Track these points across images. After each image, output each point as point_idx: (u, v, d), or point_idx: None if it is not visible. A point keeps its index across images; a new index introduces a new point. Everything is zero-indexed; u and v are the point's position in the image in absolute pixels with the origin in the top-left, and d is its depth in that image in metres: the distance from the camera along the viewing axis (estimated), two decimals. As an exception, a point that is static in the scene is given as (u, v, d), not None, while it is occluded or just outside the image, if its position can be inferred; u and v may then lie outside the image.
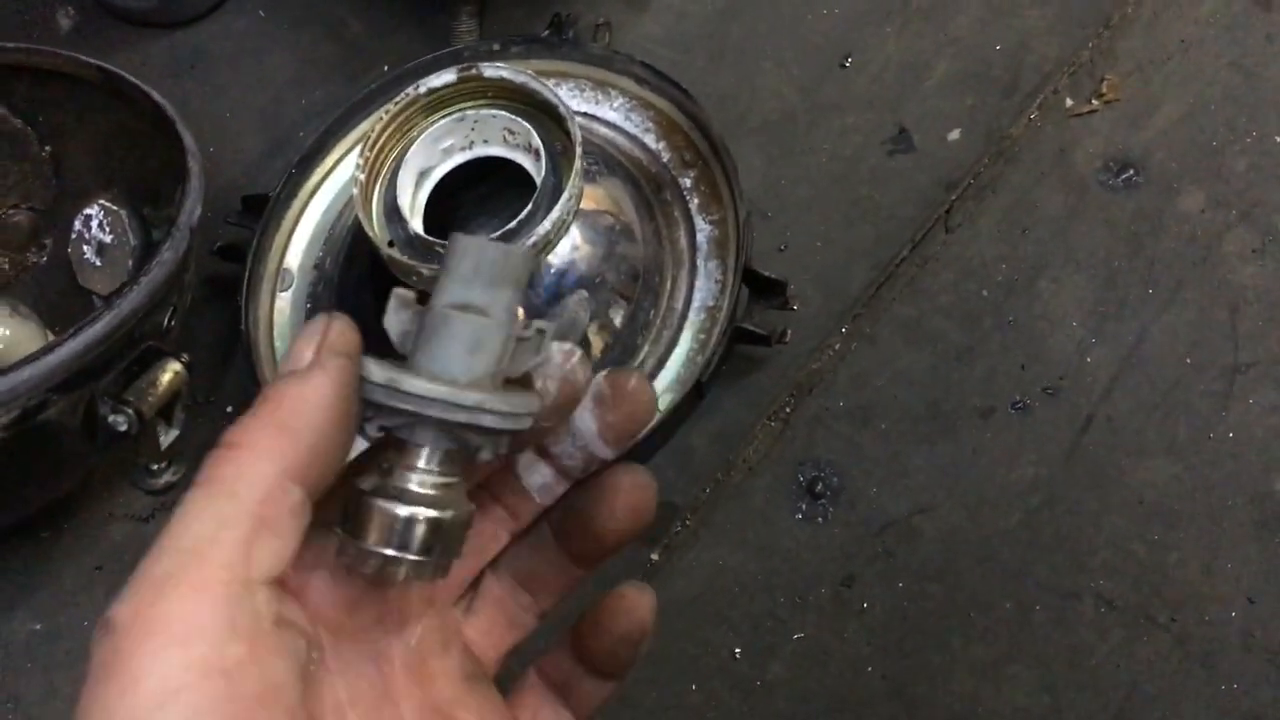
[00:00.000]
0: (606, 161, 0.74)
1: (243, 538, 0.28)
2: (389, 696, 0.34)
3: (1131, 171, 0.77)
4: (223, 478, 0.29)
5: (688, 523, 0.70)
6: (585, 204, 0.68)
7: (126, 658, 0.27)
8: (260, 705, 0.28)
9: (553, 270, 0.68)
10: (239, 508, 0.29)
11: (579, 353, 0.34)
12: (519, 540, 0.38)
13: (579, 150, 0.64)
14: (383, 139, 0.68)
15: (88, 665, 0.28)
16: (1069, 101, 0.80)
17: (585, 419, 0.35)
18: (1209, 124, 0.78)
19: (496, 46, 0.79)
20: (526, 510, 0.37)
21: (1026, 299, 0.74)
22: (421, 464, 0.32)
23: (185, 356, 0.64)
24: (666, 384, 0.70)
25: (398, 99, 0.68)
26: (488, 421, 0.31)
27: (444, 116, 0.69)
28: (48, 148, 0.78)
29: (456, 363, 0.31)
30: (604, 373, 0.35)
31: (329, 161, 0.79)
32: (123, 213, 0.76)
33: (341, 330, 0.31)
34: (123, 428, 0.61)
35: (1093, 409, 0.70)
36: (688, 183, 0.75)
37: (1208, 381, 0.71)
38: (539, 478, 0.37)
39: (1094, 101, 0.80)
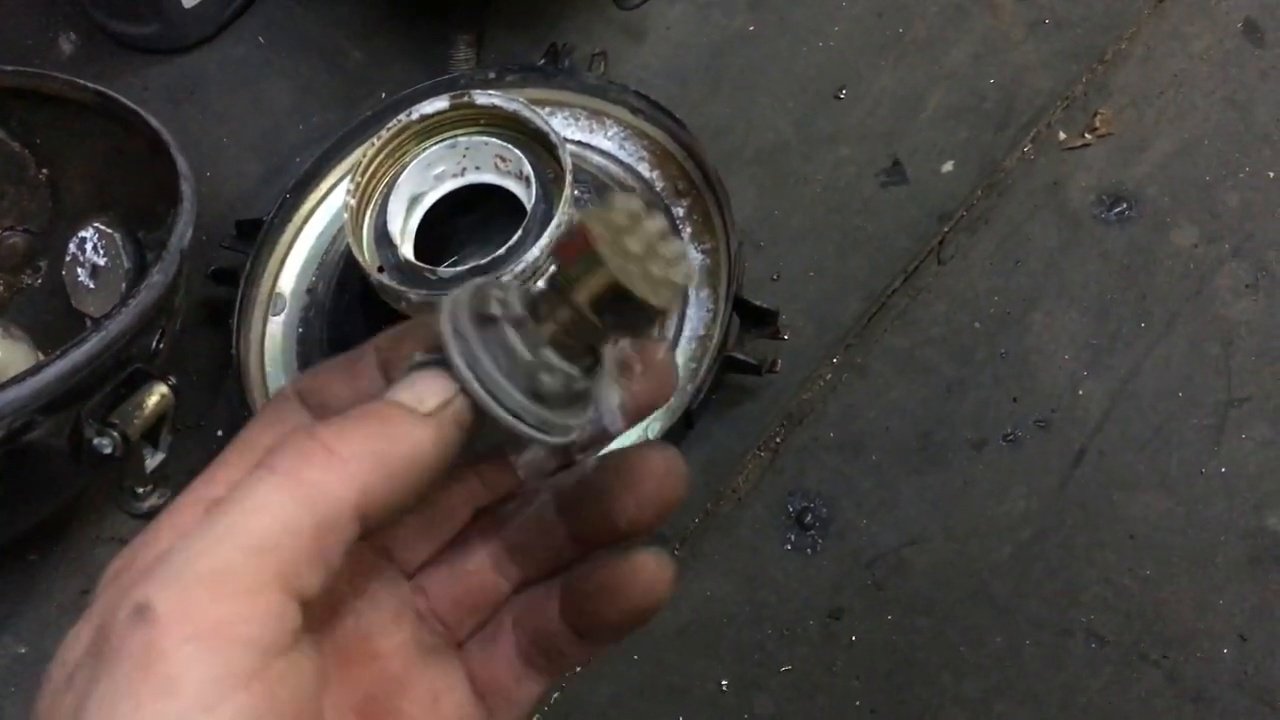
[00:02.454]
0: (599, 189, 0.75)
1: (303, 552, 0.27)
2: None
3: (1124, 205, 0.77)
4: (305, 480, 0.27)
5: (676, 552, 0.69)
6: (576, 231, 0.68)
7: (167, 656, 0.25)
8: None
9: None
10: (307, 521, 0.27)
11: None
12: (519, 510, 0.34)
13: (569, 178, 0.64)
14: (374, 165, 0.68)
15: (111, 648, 0.26)
16: (1062, 135, 0.81)
17: (609, 387, 0.31)
18: (1202, 159, 0.79)
19: (492, 75, 0.79)
20: (504, 485, 0.34)
21: (1019, 331, 0.74)
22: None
23: (172, 379, 0.64)
24: (656, 413, 0.70)
25: (389, 125, 0.69)
26: None
27: (436, 143, 0.69)
28: (44, 171, 0.78)
29: None
30: (625, 342, 0.31)
31: (323, 187, 0.79)
32: (117, 236, 0.76)
33: (461, 412, 0.29)
34: (108, 450, 0.61)
35: (1085, 442, 0.70)
36: (681, 212, 0.75)
37: (1200, 416, 0.70)
38: (529, 452, 0.31)
39: (1087, 135, 0.80)
